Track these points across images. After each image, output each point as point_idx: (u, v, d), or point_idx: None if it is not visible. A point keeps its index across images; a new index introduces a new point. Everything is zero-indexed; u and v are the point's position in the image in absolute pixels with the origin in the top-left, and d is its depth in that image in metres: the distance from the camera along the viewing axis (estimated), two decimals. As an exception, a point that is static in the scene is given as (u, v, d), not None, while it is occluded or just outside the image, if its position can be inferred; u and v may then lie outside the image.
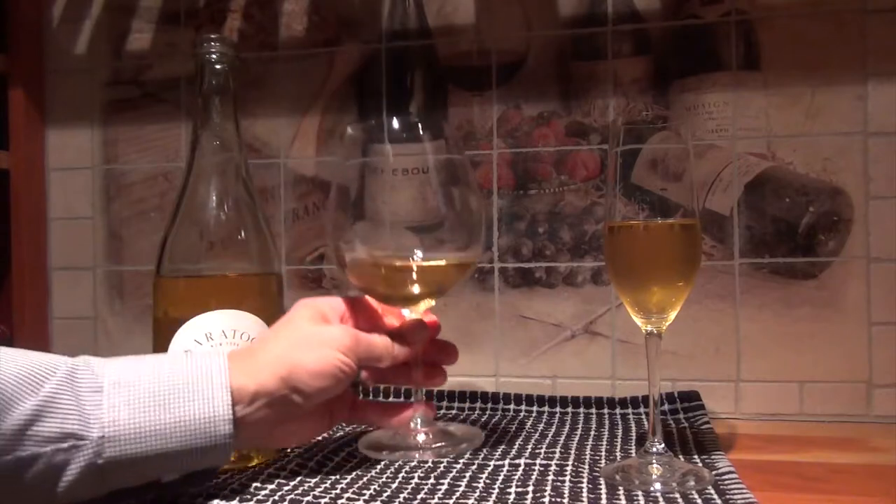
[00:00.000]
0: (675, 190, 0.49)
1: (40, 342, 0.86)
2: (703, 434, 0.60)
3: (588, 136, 0.75)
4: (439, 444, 0.54)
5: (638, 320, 0.50)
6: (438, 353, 0.56)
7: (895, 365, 0.69)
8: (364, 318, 0.53)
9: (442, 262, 0.53)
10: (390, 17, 0.80)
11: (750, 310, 0.72)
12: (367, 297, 0.54)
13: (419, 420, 0.55)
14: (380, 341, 0.51)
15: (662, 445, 0.49)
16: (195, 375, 0.42)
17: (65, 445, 0.38)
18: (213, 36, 0.57)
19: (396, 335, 0.52)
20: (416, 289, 0.53)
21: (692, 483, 0.46)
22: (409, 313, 0.54)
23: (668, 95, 0.74)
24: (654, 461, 0.48)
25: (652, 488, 0.46)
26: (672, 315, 0.49)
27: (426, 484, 0.47)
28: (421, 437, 0.54)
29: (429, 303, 0.54)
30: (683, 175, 0.49)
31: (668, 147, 0.50)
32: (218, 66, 0.57)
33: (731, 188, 0.72)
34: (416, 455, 0.52)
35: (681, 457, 0.53)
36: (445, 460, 0.52)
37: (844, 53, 0.70)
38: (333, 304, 0.52)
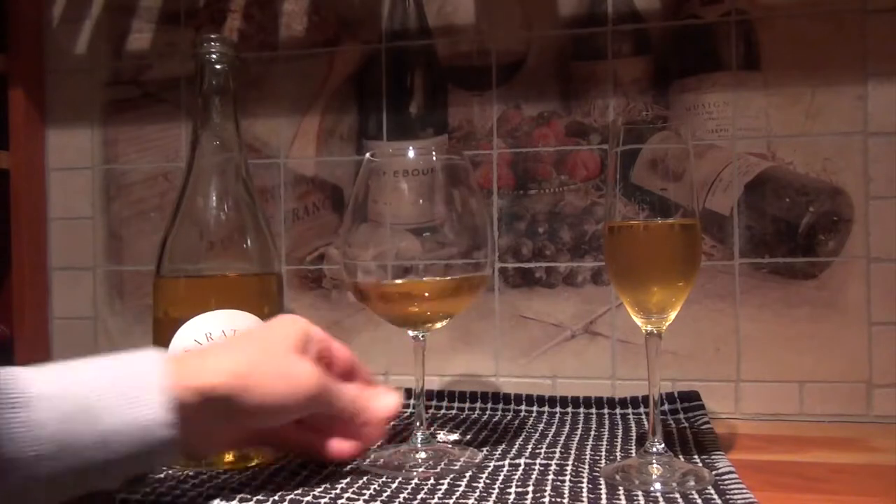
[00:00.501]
0: (675, 190, 0.49)
1: (40, 342, 0.86)
2: (703, 434, 0.60)
3: (588, 136, 0.75)
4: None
5: (638, 320, 0.50)
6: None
7: (895, 365, 0.69)
8: (341, 365, 0.50)
9: (448, 279, 0.52)
10: (390, 17, 0.80)
11: (750, 310, 0.72)
12: (347, 349, 0.51)
13: (419, 437, 0.54)
14: (345, 397, 0.47)
15: (662, 445, 0.49)
16: (128, 377, 0.39)
17: None
18: (213, 36, 0.57)
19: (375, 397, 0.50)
20: (425, 312, 0.53)
21: (692, 483, 0.46)
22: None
23: (668, 95, 0.74)
24: (654, 461, 0.48)
25: (652, 488, 0.46)
26: (672, 315, 0.49)
27: (426, 484, 0.47)
28: (421, 456, 0.53)
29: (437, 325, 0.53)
30: (683, 175, 0.49)
31: (667, 147, 0.50)
32: (218, 66, 0.57)
33: (731, 188, 0.72)
34: (415, 474, 0.50)
35: (681, 457, 0.53)
36: (445, 460, 0.52)
37: (844, 53, 0.70)
38: (318, 337, 0.48)
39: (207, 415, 0.41)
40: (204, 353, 0.44)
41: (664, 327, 0.50)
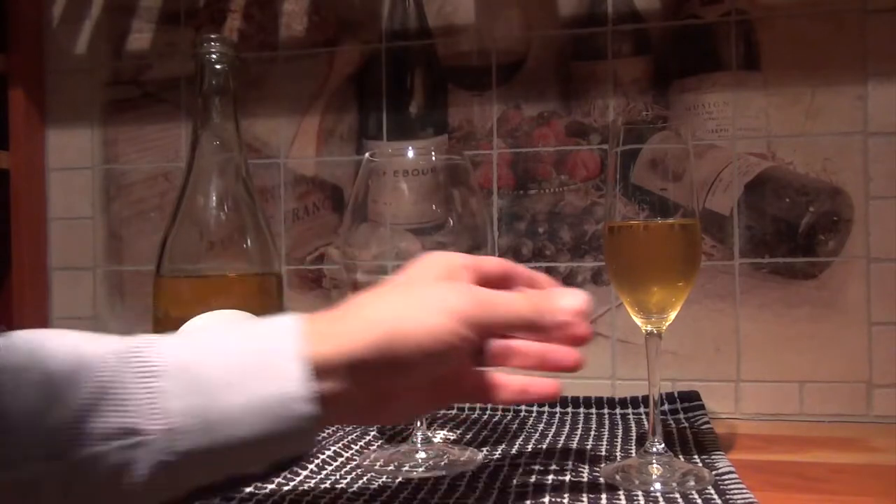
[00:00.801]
0: (674, 190, 0.49)
1: (40, 342, 0.86)
2: (703, 434, 0.60)
3: (588, 136, 0.75)
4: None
5: (638, 320, 0.50)
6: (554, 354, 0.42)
7: (895, 365, 0.69)
8: (500, 282, 0.43)
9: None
10: (390, 17, 0.80)
11: (750, 310, 0.72)
12: (503, 259, 0.45)
13: (419, 437, 0.54)
14: (522, 303, 0.40)
15: (662, 445, 0.49)
16: (262, 347, 0.34)
17: (128, 442, 0.32)
18: (213, 36, 0.57)
19: (550, 296, 0.42)
20: None
21: (692, 483, 0.46)
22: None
23: (668, 95, 0.74)
24: (654, 461, 0.48)
25: (652, 488, 0.46)
26: (672, 315, 0.49)
27: (426, 484, 0.47)
28: (421, 456, 0.53)
29: None
30: (683, 175, 0.49)
31: (667, 147, 0.50)
32: (218, 66, 0.57)
33: (731, 188, 0.72)
34: (415, 474, 0.50)
35: (681, 457, 0.53)
36: (445, 460, 0.52)
37: (844, 53, 0.70)
38: (466, 262, 0.42)
39: (358, 380, 0.35)
40: (344, 311, 0.38)
41: (664, 327, 0.49)
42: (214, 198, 0.56)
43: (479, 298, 0.38)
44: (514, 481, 0.47)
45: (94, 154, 0.87)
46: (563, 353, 0.40)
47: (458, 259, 0.42)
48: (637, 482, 0.47)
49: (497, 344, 0.40)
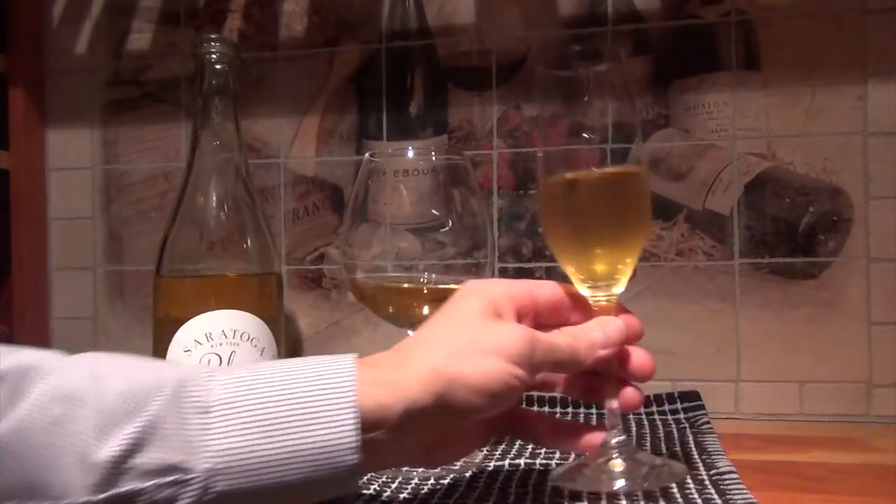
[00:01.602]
0: (604, 134, 0.46)
1: (40, 342, 0.86)
2: (703, 434, 0.60)
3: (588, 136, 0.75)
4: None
5: (585, 290, 0.44)
6: (627, 365, 0.44)
7: (895, 365, 0.69)
8: (549, 310, 0.44)
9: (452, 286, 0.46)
10: (390, 17, 0.80)
11: (750, 310, 0.72)
12: (556, 284, 0.45)
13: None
14: (564, 344, 0.40)
15: (623, 437, 0.43)
16: (317, 391, 0.34)
17: (168, 479, 0.31)
18: (213, 36, 0.58)
19: (585, 335, 0.42)
20: (424, 312, 0.51)
21: (663, 477, 0.43)
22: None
23: (668, 95, 0.74)
24: (615, 455, 0.43)
25: (616, 486, 0.42)
26: (624, 281, 0.44)
27: (426, 484, 0.47)
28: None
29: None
30: (617, 121, 0.45)
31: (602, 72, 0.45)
32: (218, 66, 0.57)
33: (731, 188, 0.72)
34: (414, 474, 0.49)
35: (679, 455, 0.53)
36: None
37: (844, 53, 0.70)
38: (512, 292, 0.42)
39: (412, 426, 0.35)
40: (398, 354, 0.38)
41: (615, 295, 0.44)
42: (214, 198, 0.57)
43: (528, 338, 0.38)
44: (514, 481, 0.47)
45: (94, 154, 0.87)
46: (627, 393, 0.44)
47: (500, 289, 0.41)
48: (597, 482, 0.42)
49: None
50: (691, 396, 0.69)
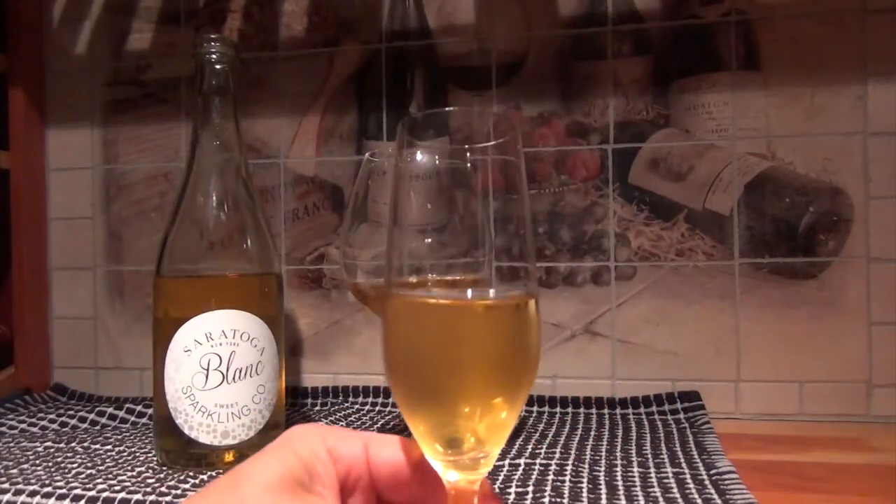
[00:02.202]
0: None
1: (40, 342, 0.86)
2: (703, 434, 0.60)
3: (588, 136, 0.75)
4: None
5: (438, 463, 0.30)
6: None
7: (895, 365, 0.69)
8: (392, 480, 0.31)
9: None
10: (390, 17, 0.80)
11: (750, 310, 0.72)
12: (403, 442, 0.31)
13: None
14: None
15: None
16: None
17: None
18: (213, 36, 0.57)
19: None
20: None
21: None
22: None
23: (668, 95, 0.74)
24: None
25: None
26: (495, 455, 0.30)
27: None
28: None
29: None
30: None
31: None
32: (218, 66, 0.57)
33: (731, 188, 0.72)
34: None
35: (680, 456, 0.53)
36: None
37: (844, 53, 0.70)
38: (338, 451, 0.30)
39: None
40: None
41: (482, 472, 0.30)
42: (214, 198, 0.56)
43: None
44: (514, 481, 0.47)
45: (94, 154, 0.87)
46: None
47: (316, 445, 0.29)
48: None
49: None
50: (691, 396, 0.69)
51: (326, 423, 0.66)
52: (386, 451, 0.30)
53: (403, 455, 0.30)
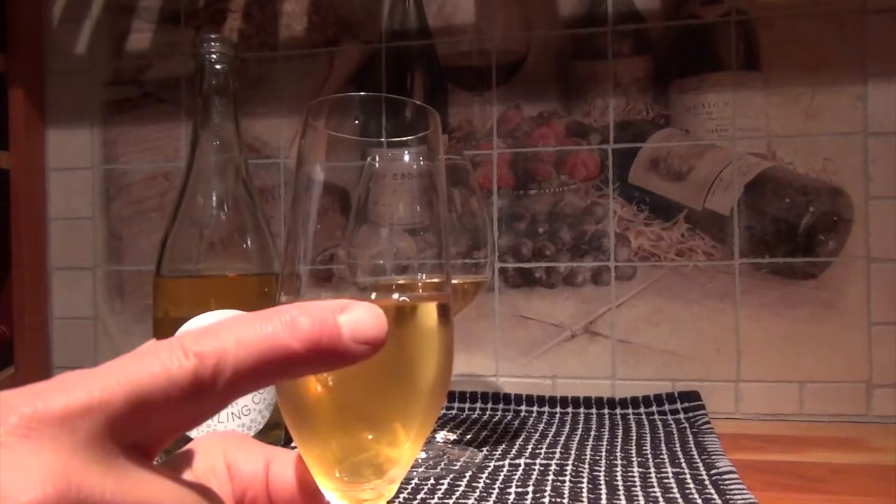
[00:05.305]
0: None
1: (40, 342, 0.86)
2: (703, 434, 0.60)
3: (588, 136, 0.75)
4: (439, 466, 0.51)
5: (330, 490, 0.26)
6: None
7: (895, 365, 0.69)
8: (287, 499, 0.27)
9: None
10: (390, 17, 0.80)
11: (750, 310, 0.72)
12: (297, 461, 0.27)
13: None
14: None
15: None
16: None
17: None
18: (213, 36, 0.57)
19: None
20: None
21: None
22: None
23: (668, 95, 0.74)
24: None
25: None
26: (398, 480, 0.27)
27: (426, 484, 0.47)
28: (421, 456, 0.53)
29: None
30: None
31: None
32: (218, 66, 0.57)
33: (731, 188, 0.72)
34: (415, 474, 0.51)
35: (681, 456, 0.53)
36: (445, 460, 0.52)
37: (844, 53, 0.70)
38: (221, 475, 0.26)
39: None
40: None
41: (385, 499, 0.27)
42: (214, 198, 0.56)
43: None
44: (514, 481, 0.47)
45: (94, 154, 0.87)
46: None
47: (221, 461, 0.26)
48: None
49: None
50: (691, 396, 0.69)
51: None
52: (288, 473, 0.27)
53: (307, 477, 0.27)
